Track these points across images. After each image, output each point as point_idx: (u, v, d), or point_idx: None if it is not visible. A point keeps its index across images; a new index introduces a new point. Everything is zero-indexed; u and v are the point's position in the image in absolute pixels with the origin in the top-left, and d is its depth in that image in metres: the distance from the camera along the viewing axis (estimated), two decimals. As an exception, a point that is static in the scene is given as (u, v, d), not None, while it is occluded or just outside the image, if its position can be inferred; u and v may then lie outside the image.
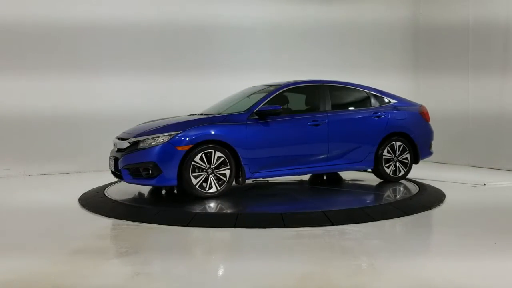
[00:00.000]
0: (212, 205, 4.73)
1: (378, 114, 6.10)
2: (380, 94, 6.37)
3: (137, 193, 5.41)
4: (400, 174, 6.17)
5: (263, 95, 5.62)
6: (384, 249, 3.47)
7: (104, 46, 7.98)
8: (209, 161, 4.96)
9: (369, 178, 6.50)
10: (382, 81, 8.29)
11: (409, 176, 6.51)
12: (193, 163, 4.88)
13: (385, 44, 9.96)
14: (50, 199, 5.55)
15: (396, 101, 6.41)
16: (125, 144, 5.09)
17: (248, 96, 6.17)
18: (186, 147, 4.86)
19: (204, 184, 4.94)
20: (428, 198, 5.15)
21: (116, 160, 5.13)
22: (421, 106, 6.62)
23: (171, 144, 4.85)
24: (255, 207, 4.88)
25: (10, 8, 7.30)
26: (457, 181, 6.57)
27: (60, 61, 7.67)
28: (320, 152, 5.66)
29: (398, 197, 5.37)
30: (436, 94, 9.24)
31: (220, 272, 3.05)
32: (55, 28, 7.57)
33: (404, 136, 6.20)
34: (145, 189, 5.57)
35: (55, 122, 7.69)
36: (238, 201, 4.98)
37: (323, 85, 5.96)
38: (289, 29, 9.36)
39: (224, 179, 5.04)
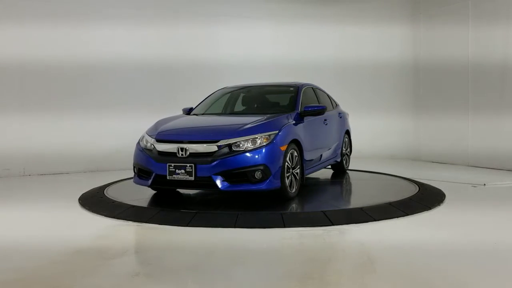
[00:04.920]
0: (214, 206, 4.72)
1: (340, 114, 6.95)
2: (331, 97, 7.03)
3: (137, 193, 5.40)
4: (348, 165, 7.27)
5: (289, 95, 5.74)
6: (384, 249, 3.47)
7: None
8: (291, 161, 4.89)
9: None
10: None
11: (409, 176, 6.61)
12: (286, 163, 4.74)
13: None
14: (50, 199, 5.56)
15: (337, 104, 7.16)
16: (211, 148, 4.55)
17: (244, 94, 6.25)
18: (285, 147, 4.71)
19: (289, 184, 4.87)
20: (428, 198, 5.15)
21: (195, 166, 4.52)
22: None
23: (275, 145, 4.62)
24: (255, 207, 4.89)
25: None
26: (457, 181, 6.57)
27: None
28: (327, 149, 6.18)
29: (398, 197, 5.36)
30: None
31: (220, 272, 3.05)
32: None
33: (347, 133, 7.21)
34: (145, 190, 5.57)
35: (55, 123, 7.70)
36: (238, 201, 4.98)
37: (312, 87, 6.40)
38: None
39: (297, 178, 5.04)
